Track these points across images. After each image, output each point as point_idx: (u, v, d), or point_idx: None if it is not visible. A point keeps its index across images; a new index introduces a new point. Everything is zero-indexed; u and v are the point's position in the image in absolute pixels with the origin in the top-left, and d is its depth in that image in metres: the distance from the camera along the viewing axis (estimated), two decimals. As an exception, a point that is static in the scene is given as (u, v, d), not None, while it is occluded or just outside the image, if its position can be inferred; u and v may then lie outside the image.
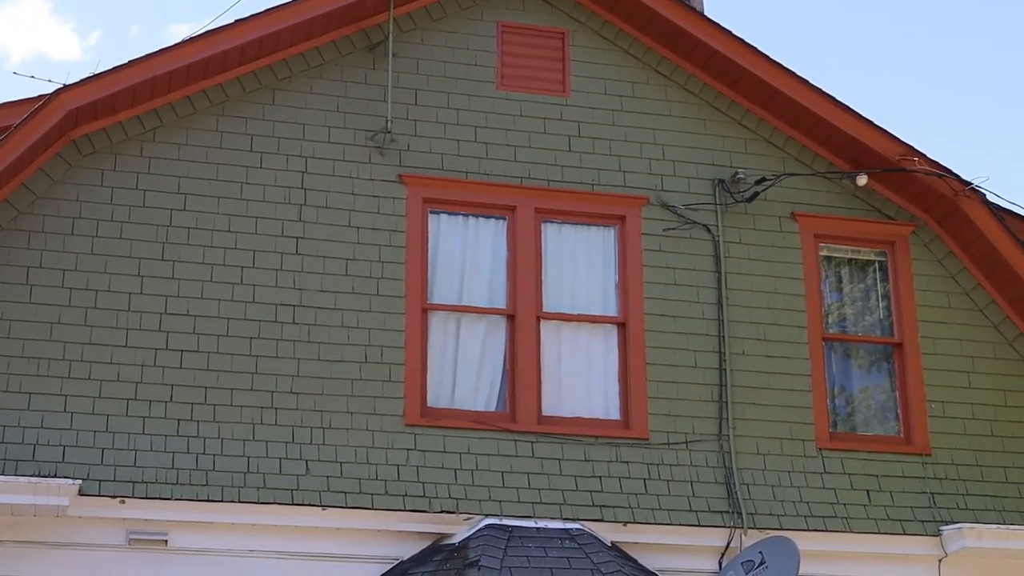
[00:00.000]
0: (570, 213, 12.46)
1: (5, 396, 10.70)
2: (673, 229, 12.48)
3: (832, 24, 31.29)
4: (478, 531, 11.03)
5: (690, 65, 12.96)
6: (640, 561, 11.25)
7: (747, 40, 12.78)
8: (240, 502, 10.77)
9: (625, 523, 11.43)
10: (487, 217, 12.39)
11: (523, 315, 12.07)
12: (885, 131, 12.79)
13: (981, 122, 31.52)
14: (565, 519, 11.29)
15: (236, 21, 11.74)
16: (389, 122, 12.07)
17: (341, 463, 11.15)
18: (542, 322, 12.15)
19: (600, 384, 12.20)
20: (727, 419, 12.08)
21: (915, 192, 12.97)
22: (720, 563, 11.50)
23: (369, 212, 11.95)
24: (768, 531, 11.49)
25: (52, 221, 11.27)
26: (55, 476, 10.39)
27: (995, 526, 11.96)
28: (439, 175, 12.18)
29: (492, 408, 11.90)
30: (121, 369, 10.98)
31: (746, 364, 12.31)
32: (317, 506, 10.88)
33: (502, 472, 11.45)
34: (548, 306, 12.20)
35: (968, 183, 12.71)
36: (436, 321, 12.05)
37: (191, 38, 11.81)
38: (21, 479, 10.22)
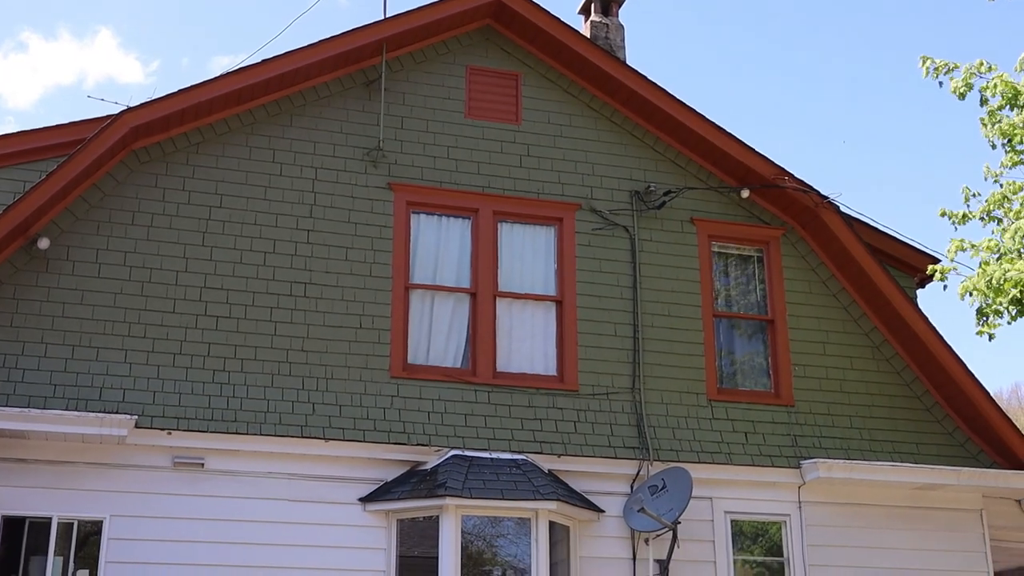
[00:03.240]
0: (520, 215, 12.54)
1: (79, 350, 10.80)
2: (599, 229, 12.61)
3: (729, 65, 32.03)
4: (445, 460, 11.20)
5: (614, 102, 13.08)
6: (570, 484, 11.48)
7: (659, 84, 12.91)
8: (261, 435, 10.91)
9: (559, 455, 11.58)
10: (456, 217, 12.40)
11: (483, 293, 12.15)
12: (763, 156, 12.97)
13: (841, 146, 32.47)
14: (513, 451, 11.45)
15: (263, 61, 11.81)
16: (381, 142, 12.16)
17: (340, 406, 11.25)
18: (497, 299, 12.23)
19: (541, 347, 12.27)
20: (639, 376, 12.18)
21: (785, 203, 13.10)
22: (632, 487, 11.68)
23: (364, 212, 12.00)
24: (669, 463, 11.73)
25: (116, 214, 11.33)
26: (117, 412, 10.50)
27: (842, 461, 12.16)
28: (419, 184, 12.26)
29: (458, 365, 11.96)
30: (169, 330, 11.07)
31: (654, 334, 12.41)
32: (321, 439, 11.02)
33: (465, 415, 11.58)
34: (502, 287, 12.30)
35: (826, 197, 12.88)
36: (415, 297, 12.06)
37: (227, 73, 11.82)
38: (90, 414, 10.36)
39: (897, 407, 13.01)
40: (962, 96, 10.85)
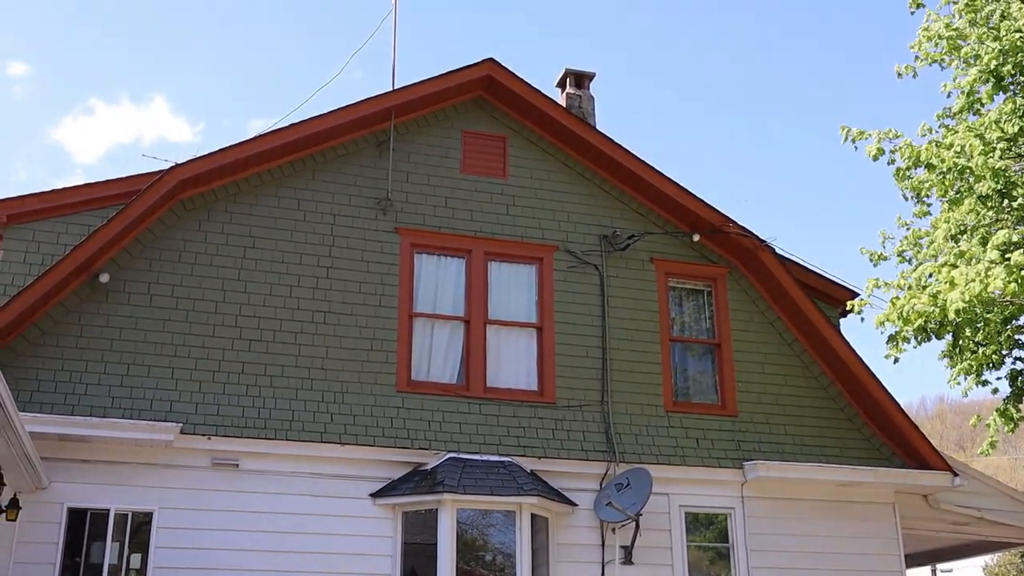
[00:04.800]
0: (507, 255, 12.61)
1: (133, 368, 10.95)
2: (574, 267, 12.72)
3: (686, 125, 32.52)
4: (443, 461, 11.32)
5: (586, 160, 13.20)
6: (549, 482, 11.63)
7: (623, 145, 13.03)
8: (287, 440, 11.03)
9: (540, 457, 11.71)
10: (452, 256, 12.46)
11: (475, 321, 12.23)
12: (711, 206, 13.08)
13: (778, 197, 32.87)
14: (500, 454, 11.56)
15: (290, 125, 11.96)
16: (389, 193, 12.30)
17: (354, 415, 11.36)
18: (487, 326, 12.30)
19: (524, 366, 12.34)
20: (607, 391, 12.26)
21: (729, 246, 13.25)
22: (601, 484, 11.79)
23: (375, 252, 12.09)
24: (632, 464, 11.87)
25: (166, 253, 11.49)
26: (165, 420, 10.73)
27: (778, 462, 12.33)
28: (421, 228, 12.34)
29: (454, 381, 12.03)
30: (210, 351, 11.20)
31: (620, 356, 12.50)
32: (338, 443, 11.15)
33: (460, 423, 11.68)
34: (492, 315, 12.37)
35: (763, 240, 13.02)
36: (418, 324, 12.13)
37: (260, 135, 11.93)
38: (142, 422, 10.59)
39: (823, 417, 13.06)
40: (875, 158, 11.20)
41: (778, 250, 13.23)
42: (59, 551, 10.34)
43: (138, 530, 10.67)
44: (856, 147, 11.38)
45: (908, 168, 11.35)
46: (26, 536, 10.23)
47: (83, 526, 10.56)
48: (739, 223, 13.15)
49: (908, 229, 11.94)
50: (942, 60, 11.67)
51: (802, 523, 12.55)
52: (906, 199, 11.70)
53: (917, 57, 11.70)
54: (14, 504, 9.89)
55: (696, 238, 13.28)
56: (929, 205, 11.79)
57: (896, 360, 11.18)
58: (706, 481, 12.37)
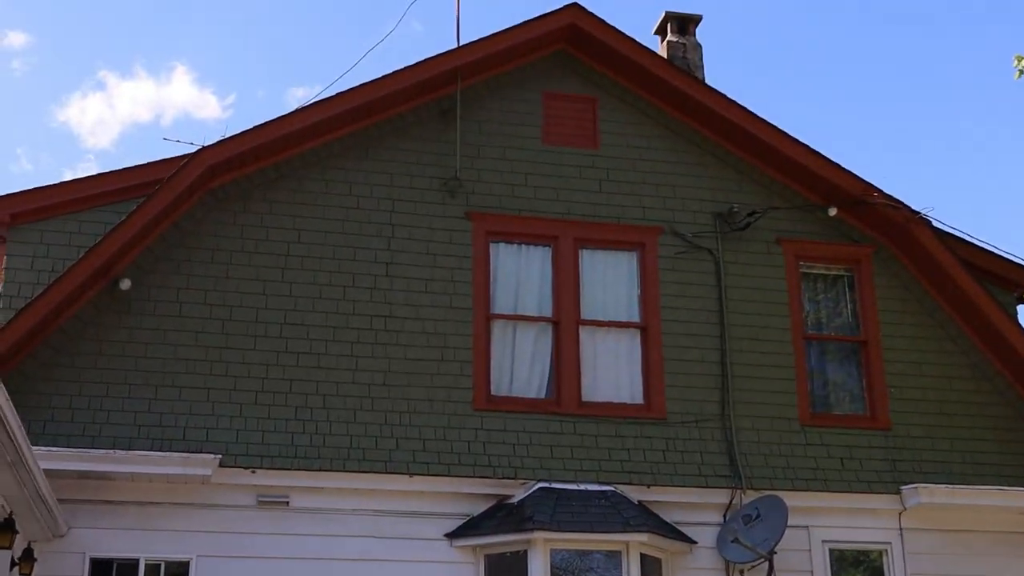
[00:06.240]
0: (601, 241, 12.20)
1: (161, 389, 10.58)
2: (683, 253, 12.22)
3: (810, 78, 30.37)
4: (532, 492, 10.87)
5: (694, 122, 12.67)
6: (661, 515, 11.06)
7: (739, 102, 12.53)
8: (345, 471, 10.66)
9: (648, 485, 11.23)
10: (535, 245, 12.11)
11: (565, 322, 11.85)
12: (850, 172, 12.48)
13: (932, 158, 30.79)
14: (601, 483, 11.10)
15: (338, 94, 11.53)
16: (458, 171, 11.89)
17: (424, 439, 10.98)
18: (581, 327, 11.88)
19: (627, 375, 11.92)
20: (728, 402, 11.80)
21: (875, 220, 12.63)
22: (724, 517, 11.27)
23: (443, 242, 11.74)
24: (762, 491, 11.29)
25: (196, 252, 11.14)
26: (201, 452, 10.30)
27: (944, 486, 11.64)
28: (498, 212, 12.00)
29: (542, 395, 11.66)
30: (251, 368, 10.84)
31: (743, 359, 12.02)
32: (405, 474, 10.76)
33: (550, 446, 11.26)
34: (585, 314, 11.96)
35: (917, 212, 12.37)
36: (497, 327, 11.81)
37: (302, 107, 11.68)
38: (175, 454, 10.21)
39: (1001, 428, 12.36)
40: None
41: (936, 223, 12.51)
42: (81, 609, 10.37)
43: (173, 582, 10.68)
44: None
45: None
46: (44, 593, 10.01)
47: (109, 579, 10.56)
48: (886, 192, 12.40)
49: None
50: None
51: (979, 561, 11.77)
52: None
53: None
54: (28, 556, 9.58)
55: (833, 212, 12.62)
56: None
57: None
58: (855, 510, 11.73)
